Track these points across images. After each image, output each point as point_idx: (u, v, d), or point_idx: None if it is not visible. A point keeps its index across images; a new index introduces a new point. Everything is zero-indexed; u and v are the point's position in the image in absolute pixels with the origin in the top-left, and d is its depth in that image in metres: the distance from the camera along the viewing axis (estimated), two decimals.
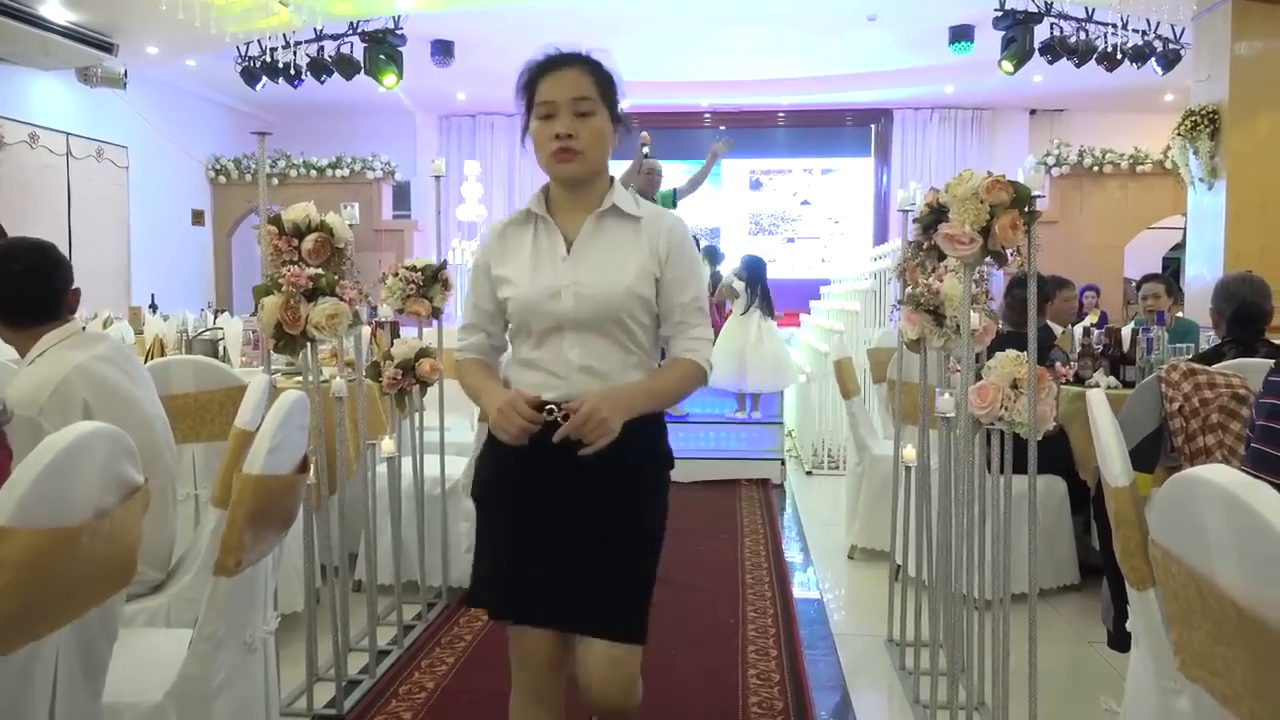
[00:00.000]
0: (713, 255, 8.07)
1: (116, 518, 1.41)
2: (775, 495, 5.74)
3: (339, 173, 12.34)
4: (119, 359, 2.29)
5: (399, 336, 4.61)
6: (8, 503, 1.18)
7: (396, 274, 3.42)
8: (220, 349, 4.60)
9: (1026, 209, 2.15)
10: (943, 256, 2.29)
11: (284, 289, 2.51)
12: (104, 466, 1.38)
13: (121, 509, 1.42)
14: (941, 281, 2.59)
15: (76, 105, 9.87)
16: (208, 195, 12.48)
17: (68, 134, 9.88)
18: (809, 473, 6.43)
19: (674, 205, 6.37)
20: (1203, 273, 6.88)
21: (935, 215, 2.25)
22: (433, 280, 3.44)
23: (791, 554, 4.54)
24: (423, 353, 3.34)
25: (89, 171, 10.24)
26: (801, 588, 4.04)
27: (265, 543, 1.82)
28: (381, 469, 3.41)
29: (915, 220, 2.43)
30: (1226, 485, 1.05)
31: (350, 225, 2.93)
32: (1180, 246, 11.06)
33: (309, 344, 2.62)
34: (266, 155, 10.59)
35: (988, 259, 2.24)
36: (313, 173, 12.35)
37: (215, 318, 8.03)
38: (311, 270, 2.58)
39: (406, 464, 3.53)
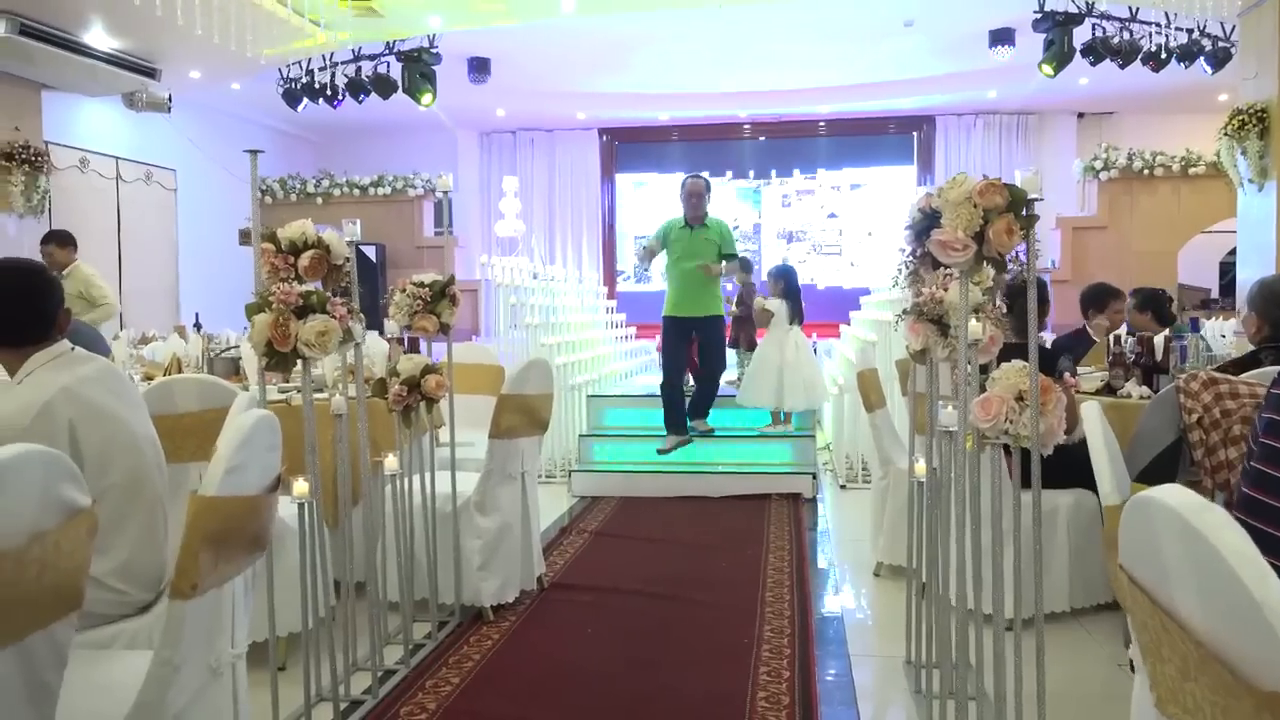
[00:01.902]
0: (745, 265, 7.95)
1: (55, 542, 1.38)
2: (806, 510, 5.62)
3: (381, 190, 12.50)
4: (108, 380, 2.29)
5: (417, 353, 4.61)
6: None
7: (404, 290, 3.41)
8: (241, 367, 4.63)
9: (1024, 212, 2.05)
10: (938, 264, 2.20)
11: (274, 306, 2.50)
12: (41, 490, 1.36)
13: (60, 533, 1.40)
14: (946, 290, 2.50)
15: (126, 130, 10.12)
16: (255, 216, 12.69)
17: (117, 158, 10.13)
18: (843, 486, 6.31)
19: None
20: (1254, 278, 6.63)
21: (928, 221, 2.16)
22: (440, 296, 3.42)
23: (817, 570, 4.44)
24: (429, 369, 3.32)
25: (138, 194, 10.49)
26: (824, 605, 3.94)
27: (232, 565, 1.79)
28: (388, 487, 3.40)
29: (907, 227, 2.35)
30: (1178, 508, 0.96)
31: (350, 242, 2.93)
32: (1235, 251, 10.73)
33: (300, 361, 2.60)
34: (310, 175, 10.66)
35: (987, 265, 2.15)
36: (355, 191, 12.53)
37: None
38: (301, 287, 2.57)
39: (419, 480, 3.52)
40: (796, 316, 6.61)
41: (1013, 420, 2.24)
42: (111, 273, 10.05)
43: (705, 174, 6.41)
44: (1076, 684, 3.09)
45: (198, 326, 9.14)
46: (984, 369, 2.45)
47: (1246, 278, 6.82)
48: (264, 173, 12.56)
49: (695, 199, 6.11)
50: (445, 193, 3.72)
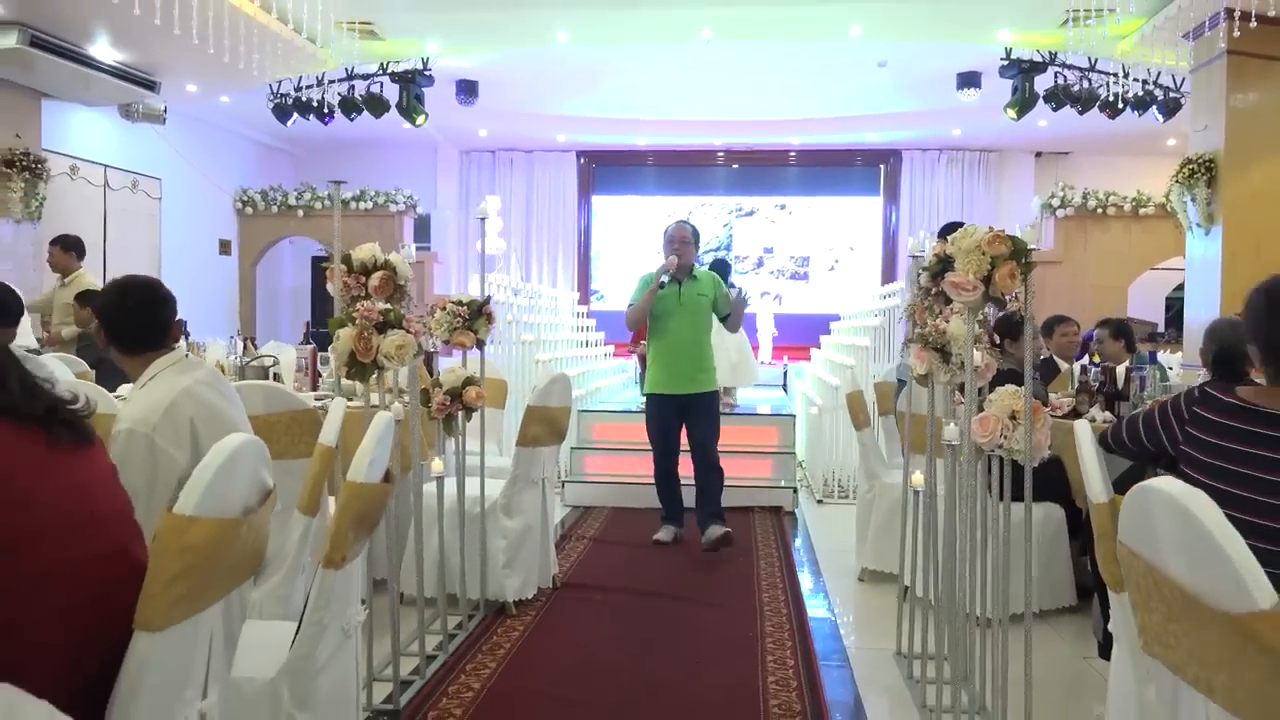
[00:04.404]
0: (725, 268, 8.33)
1: (258, 514, 1.69)
2: (788, 522, 5.99)
3: (362, 205, 12.69)
4: (216, 383, 2.59)
5: (436, 367, 4.91)
6: (192, 498, 1.46)
7: (445, 308, 3.72)
8: (271, 375, 4.89)
9: (1023, 260, 2.43)
10: (949, 301, 2.57)
11: (358, 322, 2.80)
12: (252, 471, 1.67)
13: (261, 508, 1.70)
14: (948, 323, 2.88)
15: (115, 139, 10.27)
16: (234, 226, 12.86)
17: (105, 166, 10.27)
18: (820, 501, 6.68)
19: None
20: (1200, 314, 7.15)
21: (943, 265, 2.54)
22: (477, 314, 3.73)
23: (805, 576, 4.79)
24: (469, 380, 3.63)
25: (124, 202, 10.62)
26: (815, 607, 4.29)
27: (360, 543, 2.10)
28: (428, 487, 3.70)
29: (924, 269, 2.72)
30: (1173, 493, 1.32)
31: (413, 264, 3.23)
32: (1183, 287, 11.35)
33: (377, 371, 2.90)
34: (292, 188, 10.81)
35: (989, 303, 2.54)
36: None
37: (244, 346, 8.35)
38: (382, 305, 2.88)
39: (448, 485, 3.82)
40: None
41: (1007, 436, 2.61)
42: (98, 281, 10.17)
43: (690, 219, 5.53)
44: (1045, 673, 3.46)
45: (186, 335, 9.32)
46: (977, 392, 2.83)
47: (1194, 315, 7.34)
48: (244, 184, 12.77)
49: (680, 247, 5.10)
50: (482, 218, 4.02)
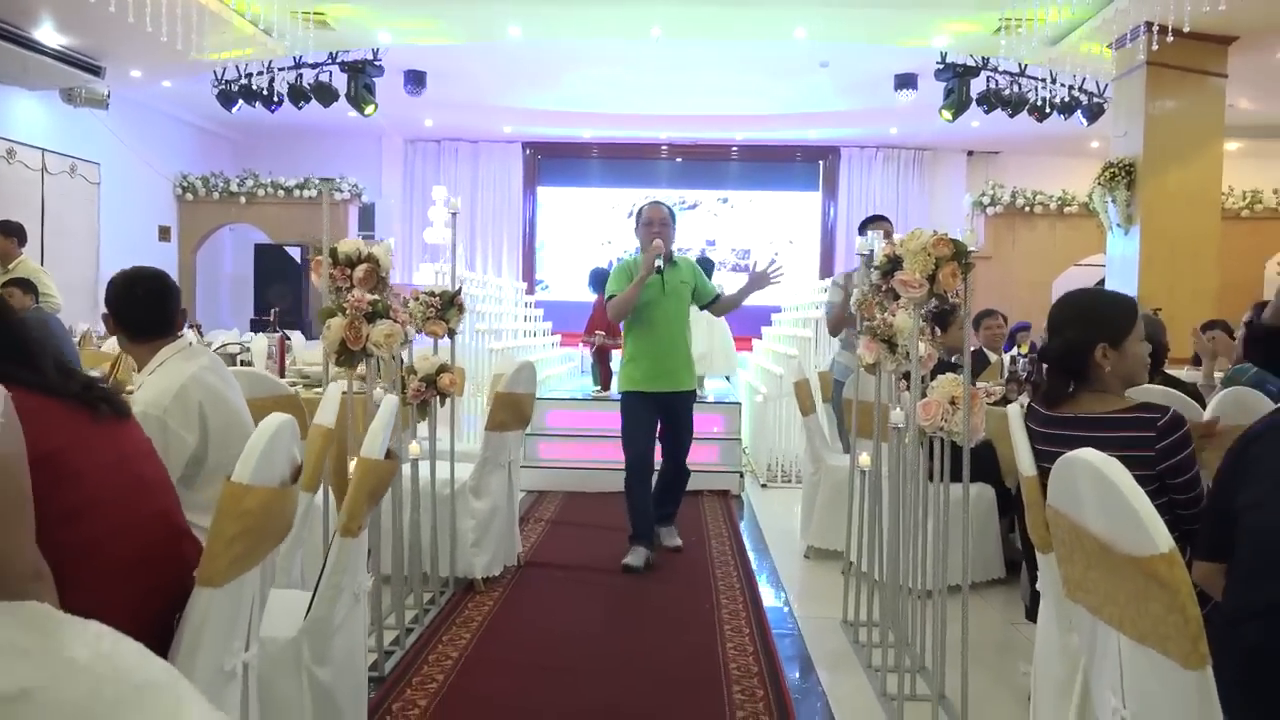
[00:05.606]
0: (709, 266, 8.58)
1: (292, 487, 1.87)
2: (735, 505, 6.27)
3: (307, 194, 12.65)
4: (218, 369, 2.74)
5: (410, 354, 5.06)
6: (248, 468, 1.65)
7: (417, 299, 3.89)
8: (238, 361, 5.00)
9: (964, 261, 2.71)
10: (897, 296, 2.84)
11: (348, 312, 2.97)
12: (287, 447, 1.85)
13: (293, 481, 1.89)
14: (894, 316, 3.15)
15: (54, 122, 10.13)
16: (174, 212, 12.73)
17: (44, 150, 10.12)
18: (764, 485, 6.98)
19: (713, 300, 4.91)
20: None
21: (892, 264, 2.80)
22: (449, 305, 3.91)
23: (755, 554, 5.06)
24: (443, 368, 3.81)
25: (63, 187, 10.48)
26: (765, 582, 4.56)
27: (369, 513, 2.29)
28: (403, 469, 3.87)
29: (875, 267, 2.99)
30: (1092, 461, 1.59)
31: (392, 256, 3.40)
32: (1104, 283, 11.91)
33: (366, 359, 3.08)
34: (235, 175, 10.86)
35: (933, 299, 2.81)
36: (280, 192, 12.65)
37: (198, 334, 8.38)
38: (371, 296, 3.05)
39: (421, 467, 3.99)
40: None
41: (947, 419, 2.89)
42: (39, 267, 10.02)
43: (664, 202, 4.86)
44: (976, 638, 3.75)
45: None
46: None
47: None
48: (184, 169, 12.63)
49: (661, 229, 4.59)
50: (454, 212, 4.18)
